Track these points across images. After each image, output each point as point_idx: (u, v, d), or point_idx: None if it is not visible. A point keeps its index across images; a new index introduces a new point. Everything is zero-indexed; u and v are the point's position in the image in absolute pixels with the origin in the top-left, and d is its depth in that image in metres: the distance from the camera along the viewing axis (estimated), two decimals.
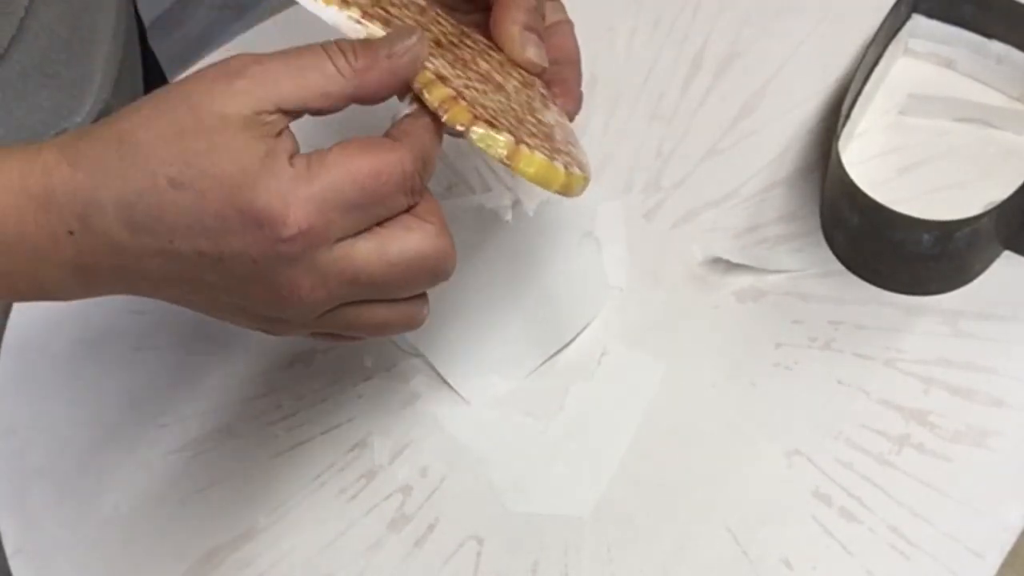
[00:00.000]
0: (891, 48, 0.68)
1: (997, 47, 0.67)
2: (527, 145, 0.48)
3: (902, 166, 0.66)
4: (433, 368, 0.64)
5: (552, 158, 0.49)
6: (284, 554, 0.60)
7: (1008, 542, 0.56)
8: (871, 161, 0.66)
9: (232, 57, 0.46)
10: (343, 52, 0.46)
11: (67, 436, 0.65)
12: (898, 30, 0.68)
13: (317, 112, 0.46)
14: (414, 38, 0.47)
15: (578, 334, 0.64)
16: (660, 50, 0.73)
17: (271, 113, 0.45)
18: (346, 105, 0.47)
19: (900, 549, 0.56)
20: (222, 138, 0.44)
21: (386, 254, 0.46)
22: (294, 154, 0.45)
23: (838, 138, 0.63)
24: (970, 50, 0.68)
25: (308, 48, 0.46)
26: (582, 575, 0.57)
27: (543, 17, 0.56)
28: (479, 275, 0.64)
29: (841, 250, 0.64)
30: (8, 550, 0.62)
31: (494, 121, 0.47)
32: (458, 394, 0.63)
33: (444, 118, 0.47)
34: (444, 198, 0.68)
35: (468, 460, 0.61)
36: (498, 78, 0.52)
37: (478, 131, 0.47)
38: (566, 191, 0.49)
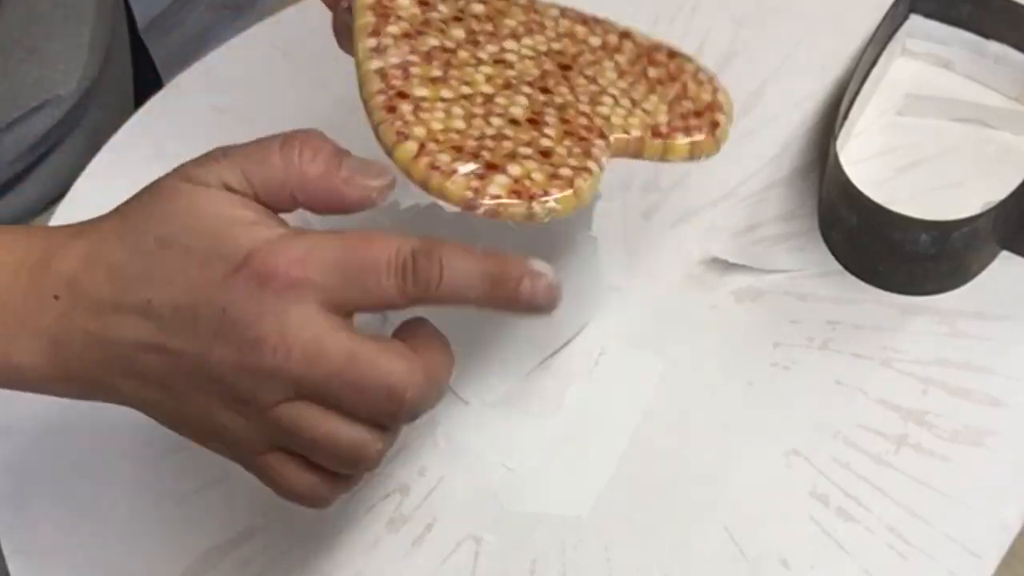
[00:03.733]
0: (889, 48, 0.68)
1: (995, 47, 0.67)
2: (440, 172, 0.47)
3: (900, 166, 0.66)
4: None
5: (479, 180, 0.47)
6: (282, 554, 0.60)
7: (1006, 542, 0.56)
8: (869, 161, 0.66)
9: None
10: (300, 148, 0.46)
11: (66, 436, 0.65)
12: (896, 30, 0.68)
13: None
14: (380, 181, 0.47)
15: (576, 334, 0.64)
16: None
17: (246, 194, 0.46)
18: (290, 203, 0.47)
19: (898, 549, 0.56)
20: (210, 199, 0.45)
21: (355, 357, 0.44)
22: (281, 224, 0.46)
23: (836, 138, 0.63)
24: (968, 50, 0.68)
25: (270, 140, 0.47)
26: (580, 575, 0.57)
27: None
28: None
29: (839, 250, 0.64)
30: (6, 550, 0.62)
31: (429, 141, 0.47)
32: (456, 394, 0.63)
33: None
34: None
35: (466, 460, 0.61)
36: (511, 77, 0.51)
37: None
38: (495, 216, 0.48)
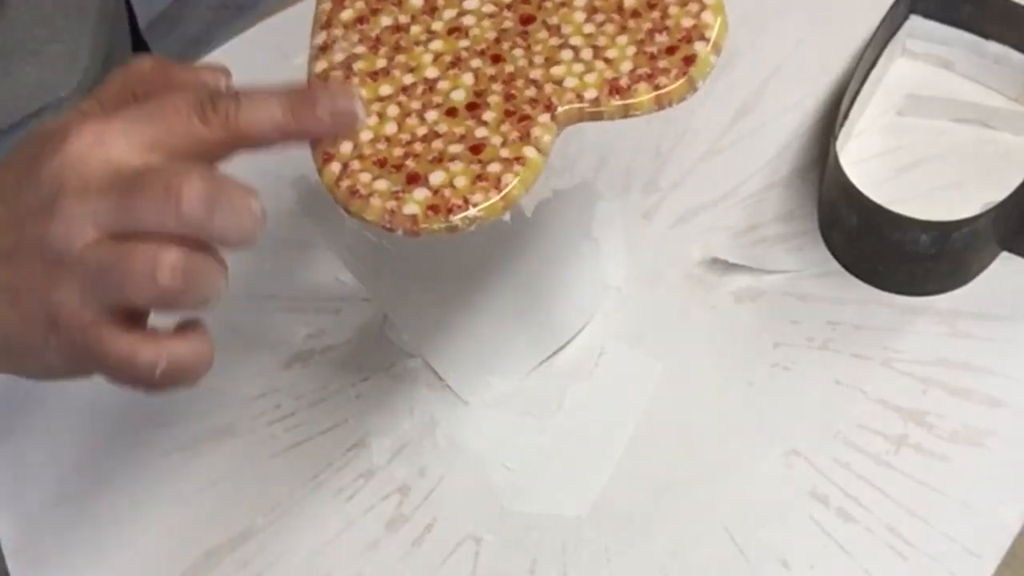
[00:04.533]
0: (889, 48, 0.68)
1: (995, 48, 0.67)
2: (359, 197, 0.47)
3: (900, 166, 0.66)
4: (431, 368, 0.64)
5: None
6: (282, 554, 0.60)
7: (1005, 542, 0.56)
8: (869, 161, 0.66)
9: None
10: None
11: (66, 436, 0.65)
12: (896, 30, 0.68)
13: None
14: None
15: (576, 334, 0.64)
16: None
17: None
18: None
19: (898, 549, 0.56)
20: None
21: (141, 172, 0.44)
22: None
23: (836, 138, 0.63)
24: (968, 51, 0.68)
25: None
26: (580, 575, 0.57)
27: None
28: (477, 275, 0.64)
29: (839, 250, 0.64)
30: (7, 550, 0.62)
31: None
32: (456, 394, 0.63)
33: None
34: None
35: (466, 460, 0.61)
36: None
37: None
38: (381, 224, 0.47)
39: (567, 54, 0.49)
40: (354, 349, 0.65)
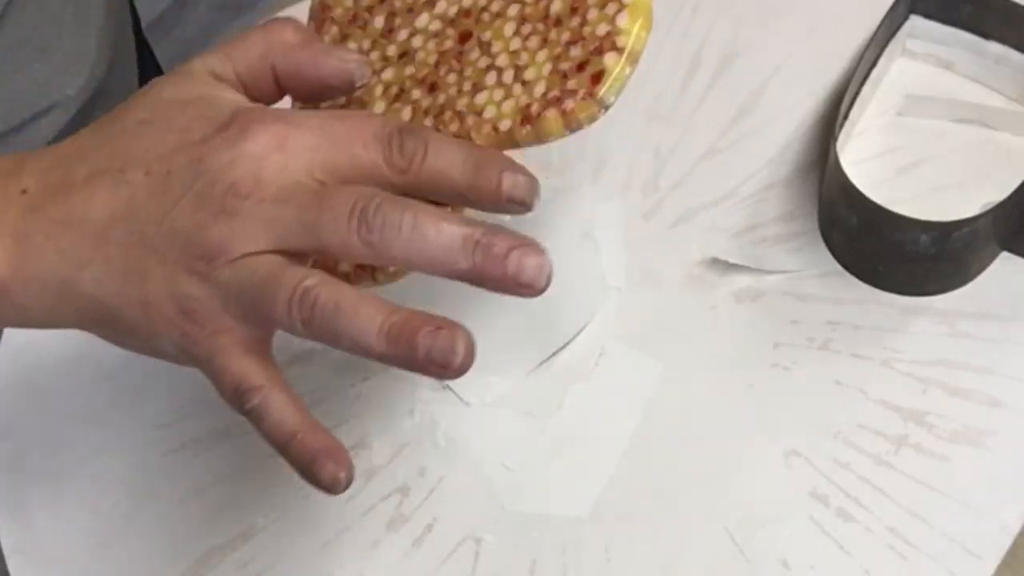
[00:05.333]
0: (889, 49, 0.68)
1: (995, 48, 0.67)
2: None
3: (900, 166, 0.66)
4: None
5: None
6: (282, 554, 0.60)
7: (1006, 542, 0.56)
8: (869, 161, 0.66)
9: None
10: (280, 23, 0.47)
11: (66, 436, 0.65)
12: (896, 31, 0.68)
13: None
14: (356, 57, 0.47)
15: (576, 334, 0.64)
16: (658, 49, 0.73)
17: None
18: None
19: (898, 549, 0.56)
20: (194, 81, 0.46)
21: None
22: None
23: (836, 138, 0.63)
24: (968, 51, 0.68)
25: None
26: (580, 575, 0.57)
27: None
28: None
29: (839, 250, 0.64)
30: (6, 550, 0.62)
31: None
32: (456, 394, 0.63)
33: None
34: None
35: (466, 460, 0.61)
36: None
37: None
38: None
39: (491, 78, 0.47)
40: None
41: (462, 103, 0.47)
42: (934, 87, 0.68)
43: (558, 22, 0.46)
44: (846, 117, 0.65)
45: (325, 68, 0.47)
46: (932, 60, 0.69)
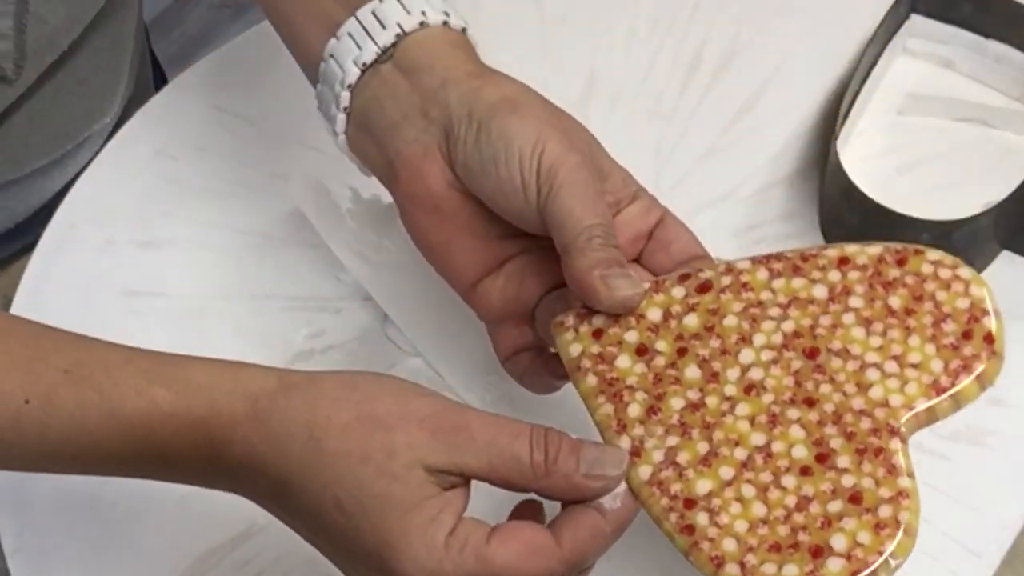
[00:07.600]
0: (890, 47, 0.68)
1: (995, 47, 0.67)
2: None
3: (900, 165, 0.66)
4: (433, 368, 0.64)
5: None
6: (283, 554, 0.60)
7: (1007, 541, 0.56)
8: (870, 160, 0.66)
9: (442, 409, 0.47)
10: (546, 448, 0.46)
11: None
12: (897, 29, 0.68)
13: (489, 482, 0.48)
14: (617, 470, 0.47)
15: None
16: (659, 49, 0.73)
17: (454, 475, 0.47)
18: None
19: None
20: (399, 486, 0.46)
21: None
22: (456, 527, 0.46)
23: (837, 137, 0.63)
24: (968, 50, 0.68)
25: (515, 428, 0.47)
26: None
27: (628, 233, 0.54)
28: None
29: None
30: (7, 550, 0.62)
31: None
32: (457, 394, 0.63)
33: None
34: None
35: None
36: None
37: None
38: None
39: (874, 374, 0.48)
40: (354, 349, 0.65)
41: (858, 402, 0.48)
42: (934, 86, 0.68)
43: (909, 311, 0.49)
44: (846, 116, 0.65)
45: (589, 494, 0.47)
46: (933, 59, 0.69)
